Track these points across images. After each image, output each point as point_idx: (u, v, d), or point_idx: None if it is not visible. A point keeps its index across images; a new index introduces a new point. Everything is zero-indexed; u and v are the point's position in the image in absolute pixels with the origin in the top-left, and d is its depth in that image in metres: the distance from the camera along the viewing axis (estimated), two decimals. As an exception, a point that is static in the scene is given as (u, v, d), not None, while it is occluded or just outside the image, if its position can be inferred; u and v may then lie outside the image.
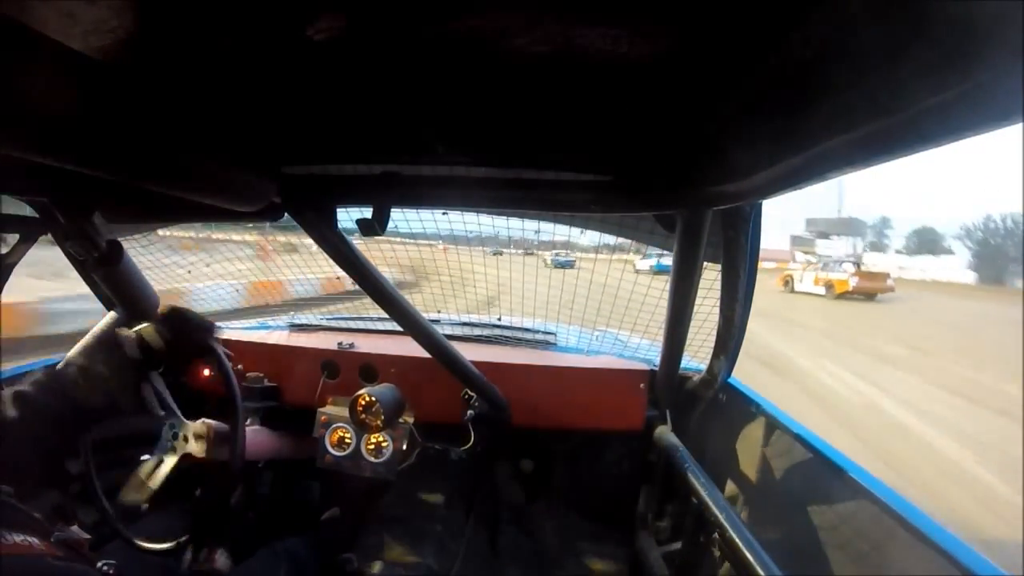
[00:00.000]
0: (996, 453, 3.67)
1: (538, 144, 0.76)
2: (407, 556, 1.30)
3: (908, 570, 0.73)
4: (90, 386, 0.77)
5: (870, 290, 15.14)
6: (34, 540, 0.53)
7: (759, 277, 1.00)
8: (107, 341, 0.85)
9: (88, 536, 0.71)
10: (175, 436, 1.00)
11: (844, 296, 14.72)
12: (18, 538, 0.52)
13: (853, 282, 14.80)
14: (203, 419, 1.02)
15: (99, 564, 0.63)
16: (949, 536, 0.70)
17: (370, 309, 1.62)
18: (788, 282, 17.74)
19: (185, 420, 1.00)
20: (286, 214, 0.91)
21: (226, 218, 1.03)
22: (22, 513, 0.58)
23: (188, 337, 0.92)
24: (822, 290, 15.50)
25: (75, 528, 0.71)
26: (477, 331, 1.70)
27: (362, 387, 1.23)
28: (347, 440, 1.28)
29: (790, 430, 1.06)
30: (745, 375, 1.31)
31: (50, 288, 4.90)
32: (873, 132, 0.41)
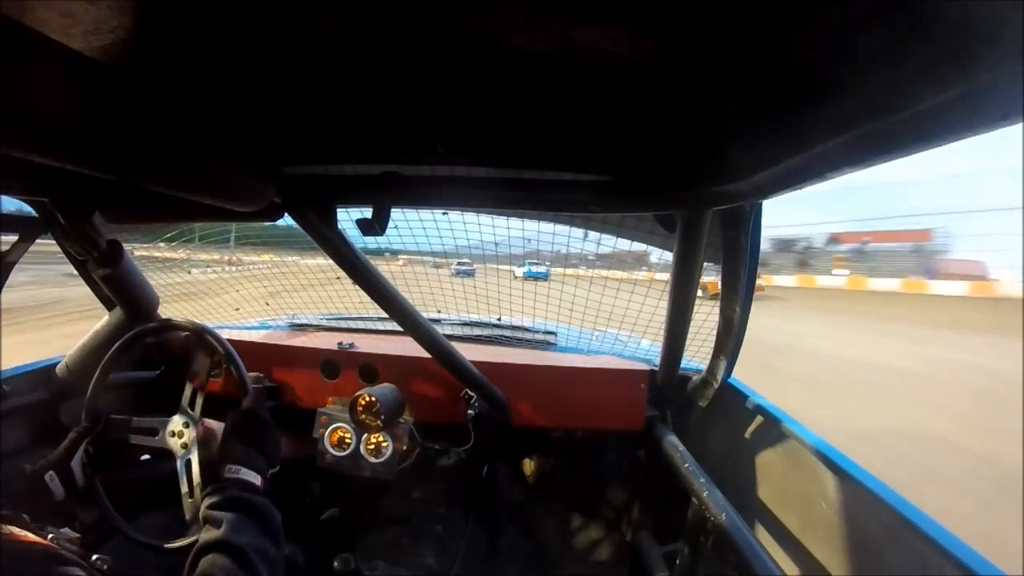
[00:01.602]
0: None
1: (538, 144, 0.76)
2: (407, 556, 1.30)
3: (908, 569, 0.73)
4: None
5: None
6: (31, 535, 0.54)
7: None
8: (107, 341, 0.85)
9: (78, 535, 0.71)
10: (178, 435, 1.00)
11: (717, 295, 17.62)
12: (17, 531, 0.52)
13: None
14: (203, 419, 1.02)
15: (93, 558, 0.63)
16: (950, 536, 0.69)
17: (370, 309, 1.62)
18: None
19: (191, 420, 1.01)
20: (286, 214, 0.91)
21: (226, 218, 1.04)
22: (17, 516, 0.58)
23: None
24: (700, 292, 17.92)
25: (66, 529, 0.71)
26: (477, 331, 1.70)
27: (362, 387, 1.23)
28: (347, 440, 1.28)
29: (790, 430, 1.06)
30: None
31: None
32: (873, 132, 0.41)
